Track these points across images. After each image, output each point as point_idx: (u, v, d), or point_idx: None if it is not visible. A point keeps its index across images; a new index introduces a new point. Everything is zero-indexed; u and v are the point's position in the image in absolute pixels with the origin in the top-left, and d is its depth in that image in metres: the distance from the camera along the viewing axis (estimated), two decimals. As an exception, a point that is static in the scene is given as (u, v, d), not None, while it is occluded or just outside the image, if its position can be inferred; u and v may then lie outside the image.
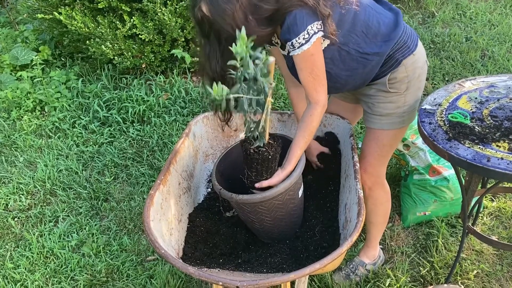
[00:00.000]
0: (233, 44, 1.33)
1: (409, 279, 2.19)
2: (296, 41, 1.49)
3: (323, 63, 1.58)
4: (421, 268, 2.24)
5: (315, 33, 1.49)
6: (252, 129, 1.58)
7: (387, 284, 2.13)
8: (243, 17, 1.44)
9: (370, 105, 1.83)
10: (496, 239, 1.89)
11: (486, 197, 2.60)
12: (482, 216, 2.51)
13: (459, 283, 2.14)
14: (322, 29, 1.51)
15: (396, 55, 1.68)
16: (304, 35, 1.48)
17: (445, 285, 1.63)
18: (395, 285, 2.13)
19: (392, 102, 1.77)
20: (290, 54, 1.57)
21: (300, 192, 1.79)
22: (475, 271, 2.19)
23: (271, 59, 1.44)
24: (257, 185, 1.65)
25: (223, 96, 1.34)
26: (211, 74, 1.62)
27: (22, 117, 3.73)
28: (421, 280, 2.19)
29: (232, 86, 1.42)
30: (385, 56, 1.67)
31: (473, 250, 2.32)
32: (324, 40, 1.58)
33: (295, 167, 1.68)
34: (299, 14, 1.47)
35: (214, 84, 1.32)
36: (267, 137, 1.63)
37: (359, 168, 1.87)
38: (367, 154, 1.91)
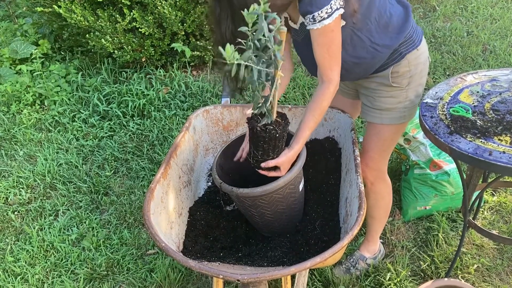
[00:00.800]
0: (245, 9, 1.28)
1: (409, 273, 2.19)
2: (319, 14, 1.44)
3: (340, 41, 1.55)
4: (421, 262, 2.24)
5: (337, 8, 1.45)
6: (260, 105, 1.52)
7: (387, 278, 2.13)
8: None
9: (371, 99, 1.82)
10: (497, 233, 1.89)
11: (486, 191, 2.60)
12: (482, 211, 2.51)
13: (460, 277, 2.14)
14: (344, 5, 1.47)
15: (401, 48, 1.67)
16: (327, 9, 1.43)
17: (446, 279, 1.63)
18: (395, 279, 2.13)
19: (394, 96, 1.76)
20: (309, 27, 1.51)
21: (301, 186, 1.79)
22: (475, 265, 2.19)
23: (284, 28, 1.39)
24: (263, 164, 1.61)
25: (234, 60, 1.28)
26: (221, 39, 1.55)
27: (21, 111, 3.72)
28: (422, 274, 2.19)
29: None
30: (392, 50, 1.66)
31: (473, 244, 2.32)
32: (341, 20, 1.55)
33: (296, 160, 1.67)
34: None
35: (227, 45, 1.26)
36: (275, 114, 1.58)
37: (361, 163, 1.86)
38: (369, 148, 1.90)
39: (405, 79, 1.73)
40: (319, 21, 1.46)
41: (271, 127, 1.54)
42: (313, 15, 1.45)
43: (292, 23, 1.69)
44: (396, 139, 1.90)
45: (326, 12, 1.44)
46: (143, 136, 3.35)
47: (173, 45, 3.71)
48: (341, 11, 1.47)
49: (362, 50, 1.64)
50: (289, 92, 3.63)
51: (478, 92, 1.76)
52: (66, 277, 2.32)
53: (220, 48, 1.27)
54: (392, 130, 1.84)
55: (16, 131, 3.50)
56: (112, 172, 3.04)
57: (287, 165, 1.64)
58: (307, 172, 2.09)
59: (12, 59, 4.14)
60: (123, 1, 3.50)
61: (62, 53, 4.35)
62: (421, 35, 1.75)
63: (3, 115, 3.67)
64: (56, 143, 3.34)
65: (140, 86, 3.65)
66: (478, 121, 1.59)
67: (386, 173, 1.99)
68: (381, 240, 2.32)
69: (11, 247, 2.53)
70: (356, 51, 1.64)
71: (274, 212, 1.74)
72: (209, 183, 2.17)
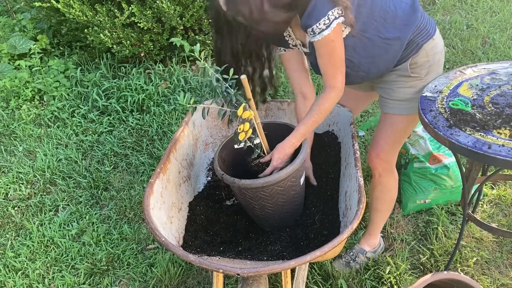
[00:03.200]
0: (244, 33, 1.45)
1: (409, 266, 2.20)
2: (317, 26, 1.48)
3: (343, 50, 1.58)
4: (421, 256, 2.25)
5: (335, 18, 1.48)
6: (248, 143, 1.71)
7: (387, 272, 2.14)
8: (259, 4, 1.43)
9: (389, 91, 1.82)
10: (496, 226, 1.89)
11: (486, 184, 2.60)
12: (482, 204, 2.51)
13: (459, 270, 2.14)
14: (343, 14, 1.50)
15: (417, 39, 1.68)
16: (324, 20, 1.47)
17: (445, 272, 1.63)
18: (395, 272, 2.14)
19: (413, 87, 1.77)
20: (311, 40, 1.56)
21: (302, 180, 1.79)
22: (474, 258, 2.19)
23: (242, 76, 1.53)
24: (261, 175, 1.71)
25: (190, 104, 1.44)
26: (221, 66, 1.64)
27: (21, 106, 3.72)
28: (421, 267, 2.20)
29: (243, 73, 1.56)
30: (406, 41, 1.67)
31: (472, 237, 2.32)
32: (345, 27, 1.57)
33: (298, 154, 1.68)
34: (320, 1, 1.47)
35: (182, 93, 1.43)
36: (265, 146, 1.72)
37: (371, 154, 1.87)
38: (381, 139, 1.90)
39: (424, 69, 1.74)
40: (319, 33, 1.50)
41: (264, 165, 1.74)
42: (312, 28, 1.50)
43: (303, 48, 1.74)
44: (409, 132, 1.91)
45: (324, 23, 1.48)
46: (143, 131, 3.35)
47: (172, 39, 3.70)
48: (341, 19, 1.50)
49: (374, 48, 1.65)
50: (288, 86, 3.62)
51: (477, 85, 1.76)
52: (67, 272, 2.33)
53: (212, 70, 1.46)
54: (407, 121, 1.85)
55: (15, 126, 3.49)
56: (111, 167, 3.04)
57: (278, 154, 1.69)
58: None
59: (10, 54, 4.13)
60: (121, -5, 3.49)
61: (61, 48, 4.33)
62: (435, 26, 1.76)
63: (2, 110, 3.67)
64: (56, 139, 3.34)
65: (139, 81, 3.64)
66: (477, 114, 1.59)
67: (395, 166, 1.99)
68: (381, 234, 2.32)
69: (11, 242, 2.54)
70: (369, 51, 1.66)
71: (274, 204, 1.74)
72: (209, 178, 2.17)
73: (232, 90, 1.53)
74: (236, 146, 1.78)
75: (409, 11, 1.66)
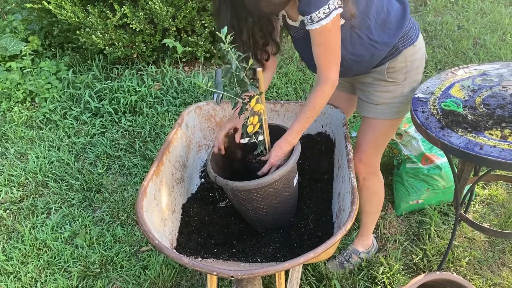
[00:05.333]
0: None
1: (402, 266, 2.21)
2: (316, 15, 1.45)
3: (339, 41, 1.56)
4: (414, 256, 2.26)
5: (335, 8, 1.46)
6: (253, 138, 1.69)
7: (380, 272, 2.15)
8: None
9: (367, 94, 1.83)
10: (488, 226, 1.90)
11: (478, 185, 2.62)
12: (474, 204, 2.53)
13: (452, 270, 2.16)
14: (342, 5, 1.48)
15: (398, 44, 1.68)
16: (325, 9, 1.44)
17: (438, 272, 1.64)
18: (388, 273, 2.15)
19: (389, 91, 1.77)
20: (307, 27, 1.52)
21: (295, 181, 1.79)
22: (467, 258, 2.21)
23: (259, 68, 1.48)
24: (259, 173, 1.70)
25: (208, 87, 1.38)
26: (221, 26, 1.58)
27: (12, 108, 3.69)
28: (414, 267, 2.21)
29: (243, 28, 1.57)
30: (391, 47, 1.67)
31: (465, 237, 2.34)
32: (340, 18, 1.56)
33: (290, 155, 1.68)
34: None
35: (200, 76, 1.36)
36: (267, 143, 1.70)
37: (354, 158, 1.87)
38: (362, 143, 1.90)
39: (401, 74, 1.74)
40: (317, 21, 1.47)
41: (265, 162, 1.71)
42: (311, 16, 1.46)
43: (291, 21, 1.70)
44: (391, 135, 1.91)
45: (324, 13, 1.45)
46: (135, 133, 3.34)
47: (164, 41, 3.69)
48: (340, 10, 1.48)
49: (361, 48, 1.64)
50: (281, 88, 3.63)
51: (469, 86, 1.77)
52: (59, 275, 2.31)
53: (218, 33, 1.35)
54: (387, 125, 1.85)
55: (6, 129, 3.47)
56: (104, 169, 3.02)
57: (276, 152, 1.68)
58: (299, 167, 2.10)
59: (1, 56, 4.11)
60: (113, -3, 3.48)
61: (53, 49, 4.31)
62: (418, 31, 1.75)
63: (-7, 112, 3.65)
64: (48, 141, 3.32)
65: (131, 83, 3.63)
66: (469, 115, 1.60)
67: (379, 168, 2.00)
68: (374, 234, 2.33)
69: (3, 245, 2.51)
70: (355, 49, 1.64)
71: (268, 206, 1.74)
72: (202, 180, 2.17)
73: (248, 80, 1.50)
74: (241, 141, 1.77)
75: (400, 17, 1.66)
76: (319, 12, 1.45)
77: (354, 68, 1.72)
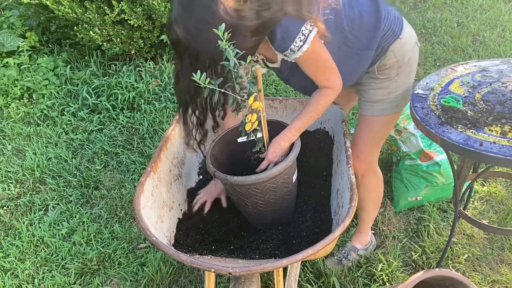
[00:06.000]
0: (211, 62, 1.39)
1: (400, 263, 2.20)
2: (294, 45, 1.45)
3: (328, 53, 1.55)
4: (412, 253, 2.25)
5: (310, 31, 1.45)
6: (252, 136, 1.67)
7: (379, 269, 2.14)
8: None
9: (362, 92, 1.82)
10: (487, 223, 1.90)
11: (477, 181, 2.62)
12: (473, 201, 2.52)
13: (450, 267, 2.15)
14: (315, 25, 1.46)
15: (382, 42, 1.65)
16: (300, 37, 1.44)
17: (437, 269, 1.63)
18: (387, 269, 2.14)
19: (383, 88, 1.76)
20: (291, 59, 1.53)
21: (294, 177, 1.79)
22: (466, 255, 2.20)
23: (257, 66, 1.48)
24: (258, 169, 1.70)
25: (206, 84, 1.37)
26: (181, 92, 1.54)
27: (9, 104, 3.67)
28: (413, 264, 2.21)
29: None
30: (375, 48, 1.65)
31: (464, 234, 2.33)
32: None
33: (290, 151, 1.67)
34: (288, 20, 1.42)
35: (198, 72, 1.34)
36: (266, 140, 1.69)
37: (352, 155, 1.86)
38: (359, 141, 1.90)
39: (393, 69, 1.72)
40: (298, 50, 1.47)
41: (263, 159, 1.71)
42: (290, 48, 1.46)
43: (271, 64, 1.69)
44: (387, 132, 1.90)
45: (301, 40, 1.45)
46: (133, 130, 3.33)
47: (162, 37, 3.67)
48: (315, 31, 1.46)
49: (345, 59, 1.63)
50: (280, 84, 3.61)
51: (468, 82, 1.76)
52: (57, 272, 2.30)
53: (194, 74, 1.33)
54: (383, 122, 1.84)
55: (4, 125, 3.45)
56: (102, 166, 3.01)
57: (274, 148, 1.68)
58: (298, 164, 2.09)
59: (-2, 52, 4.08)
60: (111, -8, 3.46)
61: (50, 45, 4.29)
62: (402, 22, 1.70)
63: (-9, 109, 3.63)
64: (45, 137, 3.30)
65: (129, 79, 3.61)
66: (468, 111, 1.60)
67: (377, 165, 1.99)
68: (373, 231, 2.33)
69: (0, 242, 2.50)
70: (342, 62, 1.61)
71: (267, 202, 1.73)
72: (200, 177, 2.16)
73: (246, 77, 1.49)
74: (239, 140, 1.76)
75: (374, 15, 1.62)
76: (296, 43, 1.45)
77: (349, 79, 1.72)
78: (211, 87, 1.40)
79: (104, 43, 3.64)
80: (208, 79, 1.37)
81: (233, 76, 1.44)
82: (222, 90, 1.45)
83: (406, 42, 1.70)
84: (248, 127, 1.57)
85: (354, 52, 1.63)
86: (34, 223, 2.61)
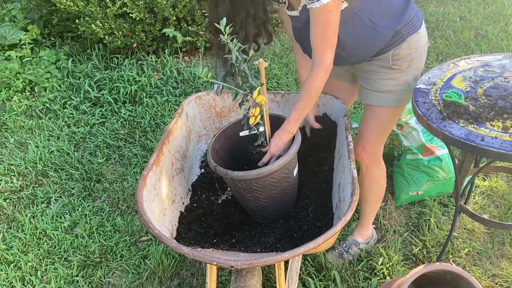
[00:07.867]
0: None
1: (401, 257, 2.21)
2: None
3: (337, 25, 1.53)
4: (413, 247, 2.26)
5: None
6: (254, 130, 1.68)
7: (379, 263, 2.15)
8: None
9: (370, 82, 1.81)
10: (488, 218, 1.90)
11: (478, 176, 2.62)
12: (474, 195, 2.53)
13: (451, 261, 2.16)
14: None
15: (402, 31, 1.67)
16: None
17: (437, 263, 1.64)
18: (387, 263, 2.15)
19: (394, 79, 1.76)
20: (308, 6, 1.50)
21: (295, 172, 1.79)
22: (466, 250, 2.21)
23: (260, 59, 1.46)
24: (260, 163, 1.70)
25: (208, 77, 1.36)
26: (217, 20, 1.52)
27: (11, 97, 3.68)
28: (414, 258, 2.22)
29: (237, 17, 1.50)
30: (394, 32, 1.65)
31: (464, 228, 2.34)
32: (343, 1, 1.54)
33: (290, 145, 1.68)
34: None
35: (201, 66, 1.33)
36: (268, 134, 1.69)
37: (357, 147, 1.86)
38: (366, 132, 1.90)
39: (406, 61, 1.73)
40: (318, 0, 1.45)
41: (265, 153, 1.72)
42: None
43: (291, 12, 1.69)
44: (393, 123, 1.91)
45: None
46: (135, 123, 3.33)
47: (164, 30, 3.67)
48: None
49: (363, 30, 1.63)
50: (281, 78, 3.61)
51: (470, 77, 1.76)
52: (60, 264, 2.32)
53: (217, 25, 1.31)
54: (390, 113, 1.84)
55: (6, 118, 3.46)
56: (104, 159, 3.02)
57: (275, 141, 1.68)
58: (300, 158, 2.09)
59: (0, 45, 4.08)
60: (113, -15, 3.45)
61: (52, 38, 4.29)
62: (421, 19, 1.75)
63: (-7, 102, 3.63)
64: (47, 130, 3.31)
65: (131, 72, 3.61)
66: (470, 106, 1.60)
67: (381, 157, 1.99)
68: (374, 225, 2.33)
69: (3, 235, 2.52)
70: (357, 31, 1.62)
71: (268, 196, 1.74)
72: (202, 170, 2.17)
73: (249, 71, 1.49)
74: (241, 133, 1.77)
75: (404, 3, 1.65)
76: None
77: (355, 53, 1.71)
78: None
79: (106, 36, 3.64)
80: None
81: (236, 70, 1.45)
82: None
83: (422, 37, 1.73)
84: (251, 121, 1.57)
85: (373, 27, 1.62)
86: (36, 215, 2.62)
